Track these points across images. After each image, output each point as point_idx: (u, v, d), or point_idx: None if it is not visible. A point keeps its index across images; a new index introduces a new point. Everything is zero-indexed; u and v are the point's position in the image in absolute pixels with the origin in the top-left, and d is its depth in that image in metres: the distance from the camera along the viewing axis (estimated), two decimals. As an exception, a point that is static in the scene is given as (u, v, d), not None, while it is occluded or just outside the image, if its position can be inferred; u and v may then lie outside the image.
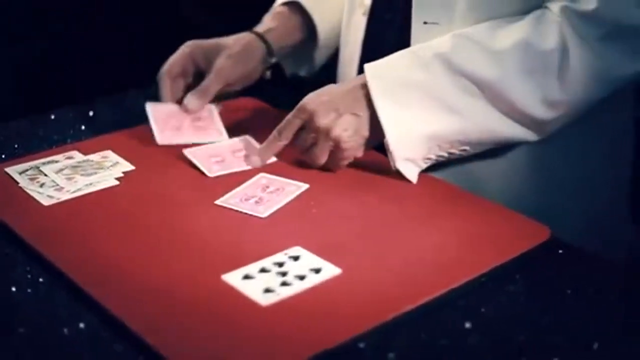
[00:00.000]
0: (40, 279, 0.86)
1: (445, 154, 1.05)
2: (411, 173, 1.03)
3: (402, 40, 1.09)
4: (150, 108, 1.15)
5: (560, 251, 0.92)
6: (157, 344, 0.75)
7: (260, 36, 1.22)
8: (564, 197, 1.11)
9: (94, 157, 1.08)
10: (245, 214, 0.96)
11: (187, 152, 1.08)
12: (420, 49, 1.04)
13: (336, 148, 1.04)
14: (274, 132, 1.07)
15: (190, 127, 1.15)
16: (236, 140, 1.12)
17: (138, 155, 1.09)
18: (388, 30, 1.13)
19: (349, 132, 1.03)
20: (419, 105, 1.01)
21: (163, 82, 1.17)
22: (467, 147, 1.05)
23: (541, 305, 0.84)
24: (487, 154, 1.07)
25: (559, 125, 1.04)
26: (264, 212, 0.96)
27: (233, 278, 0.84)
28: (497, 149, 1.07)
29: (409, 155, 1.03)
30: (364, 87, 1.02)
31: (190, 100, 1.16)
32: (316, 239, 0.91)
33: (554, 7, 1.01)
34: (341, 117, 1.02)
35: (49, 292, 0.85)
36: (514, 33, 1.01)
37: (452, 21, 1.05)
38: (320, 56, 1.29)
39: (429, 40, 1.05)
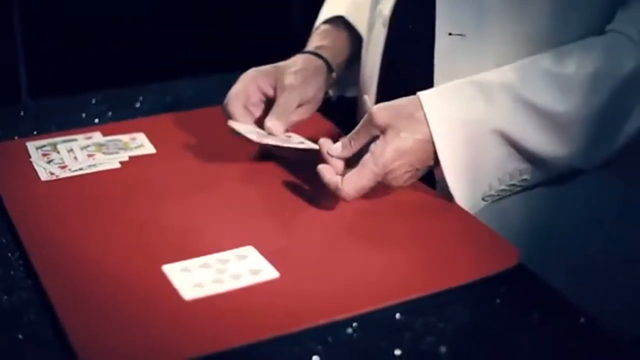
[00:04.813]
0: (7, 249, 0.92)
1: (506, 187, 1.00)
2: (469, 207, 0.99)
3: (424, 53, 1.04)
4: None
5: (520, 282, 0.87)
6: (65, 317, 0.78)
7: (315, 53, 1.15)
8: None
9: (124, 137, 1.14)
10: None
11: (231, 123, 1.06)
12: (483, 78, 0.98)
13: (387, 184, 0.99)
14: (337, 186, 0.96)
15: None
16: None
17: (165, 140, 1.14)
18: (409, 43, 1.08)
19: (413, 179, 1.00)
20: (481, 143, 0.96)
21: (233, 110, 1.08)
22: (527, 177, 1.00)
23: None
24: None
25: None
26: None
27: (171, 269, 0.86)
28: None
29: (468, 194, 0.99)
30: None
31: (271, 122, 1.06)
32: (273, 242, 0.91)
33: (631, 32, 0.96)
34: (417, 172, 0.99)
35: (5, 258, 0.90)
36: (586, 59, 0.96)
37: (480, 33, 1.00)
38: None
39: (454, 54, 1.01)
